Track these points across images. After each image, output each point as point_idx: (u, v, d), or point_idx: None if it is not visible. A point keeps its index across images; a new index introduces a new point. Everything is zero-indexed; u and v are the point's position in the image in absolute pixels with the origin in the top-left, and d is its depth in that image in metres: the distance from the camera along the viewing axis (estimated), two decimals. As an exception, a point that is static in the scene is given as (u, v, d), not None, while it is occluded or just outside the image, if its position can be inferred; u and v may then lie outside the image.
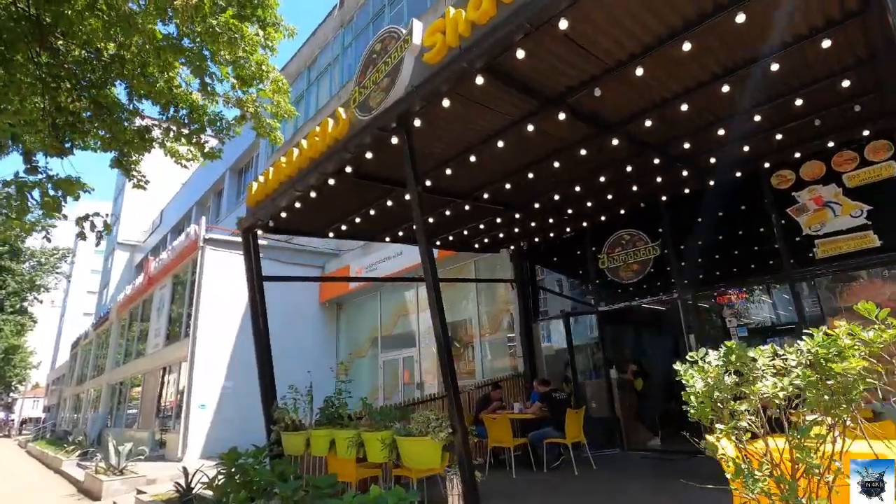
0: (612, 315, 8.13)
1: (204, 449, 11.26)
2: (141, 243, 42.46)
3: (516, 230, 8.31)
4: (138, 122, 6.16)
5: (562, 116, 4.22)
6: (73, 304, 67.99)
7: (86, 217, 5.52)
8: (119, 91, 7.26)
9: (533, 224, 7.92)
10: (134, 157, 6.07)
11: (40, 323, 60.00)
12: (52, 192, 6.52)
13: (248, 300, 13.05)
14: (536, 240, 9.11)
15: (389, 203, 5.42)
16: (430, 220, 6.88)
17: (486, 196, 6.05)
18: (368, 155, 4.27)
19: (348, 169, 4.51)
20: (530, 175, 5.60)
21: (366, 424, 4.90)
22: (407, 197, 5.25)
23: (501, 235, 8.38)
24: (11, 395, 73.08)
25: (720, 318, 6.87)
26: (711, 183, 6.48)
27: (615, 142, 4.83)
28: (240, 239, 13.78)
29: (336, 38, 17.72)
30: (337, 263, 14.26)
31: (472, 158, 4.84)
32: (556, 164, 5.55)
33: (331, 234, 6.43)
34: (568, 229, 8.43)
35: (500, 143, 4.87)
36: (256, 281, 6.06)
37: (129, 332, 19.27)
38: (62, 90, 5.93)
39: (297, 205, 4.98)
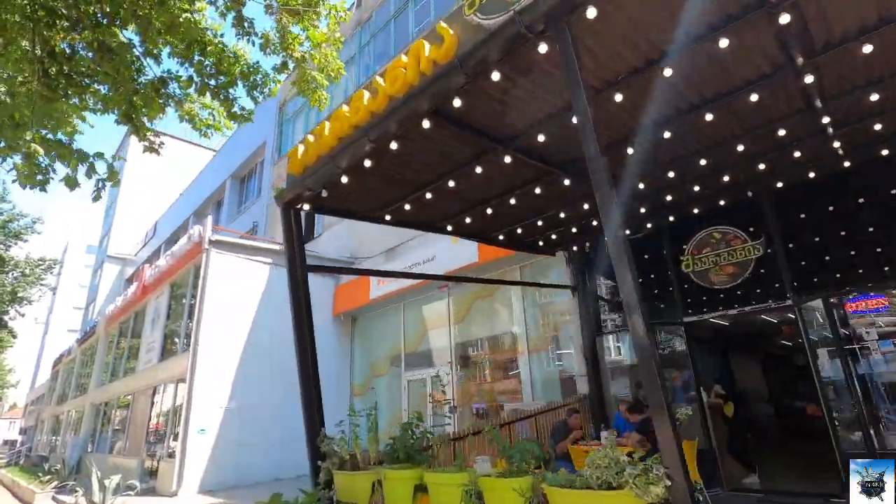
0: (702, 326, 6.91)
1: (203, 481, 9.73)
2: (132, 256, 40.80)
3: (574, 229, 7.13)
4: (151, 73, 4.97)
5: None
6: (57, 320, 65.54)
7: (83, 156, 4.25)
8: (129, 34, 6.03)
9: (595, 223, 6.75)
10: (145, 114, 4.83)
11: (22, 340, 57.42)
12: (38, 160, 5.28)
13: (258, 307, 11.70)
14: (590, 244, 7.93)
15: (478, 170, 4.23)
16: (488, 210, 5.71)
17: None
18: (495, 76, 3.05)
19: (457, 102, 3.28)
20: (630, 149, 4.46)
21: (442, 462, 3.59)
22: (507, 159, 4.07)
23: (554, 236, 7.21)
24: (-13, 416, 69.66)
25: (848, 327, 5.68)
26: (847, 164, 5.35)
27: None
28: (249, 243, 12.50)
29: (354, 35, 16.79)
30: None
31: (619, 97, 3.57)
32: (667, 134, 4.42)
33: (388, 217, 5.20)
34: (639, 228, 7.26)
35: (619, 97, 3.74)
36: (300, 271, 4.80)
37: (117, 347, 17.67)
38: (58, 29, 4.74)
39: (368, 163, 3.76)
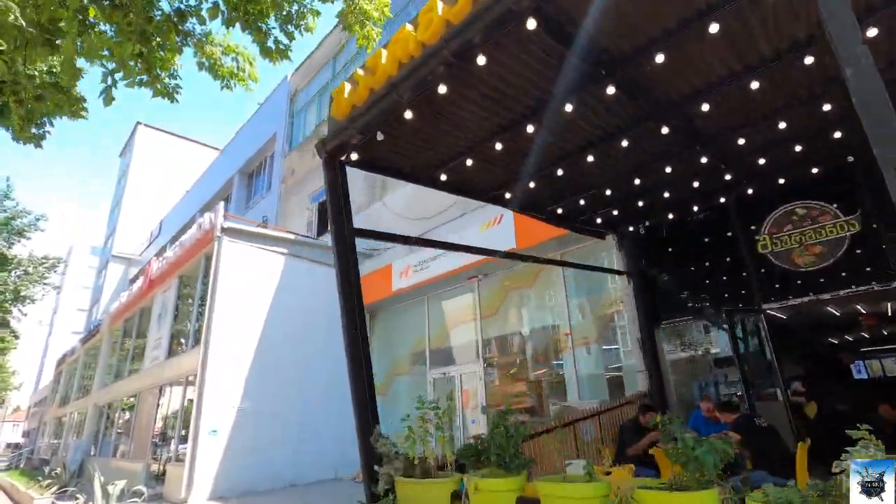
0: (786, 314, 6.10)
1: (214, 487, 8.95)
2: (137, 256, 40.18)
3: (627, 209, 6.34)
4: (166, 6, 4.24)
5: None
6: (61, 322, 65.10)
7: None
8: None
9: (645, 202, 5.96)
10: (160, 55, 4.09)
11: (25, 342, 56.94)
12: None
13: (272, 300, 10.93)
14: (648, 223, 7.13)
15: (568, 108, 3.43)
16: (559, 171, 4.93)
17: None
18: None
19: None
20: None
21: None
22: (610, 90, 3.28)
23: (616, 212, 6.40)
24: (-11, 418, 69.12)
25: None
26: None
27: None
28: (263, 231, 11.74)
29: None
30: (373, 264, 12.20)
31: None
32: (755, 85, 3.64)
33: (443, 177, 4.43)
34: (700, 206, 6.45)
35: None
36: (348, 234, 4.05)
37: (122, 346, 16.94)
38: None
39: (443, 89, 2.97)
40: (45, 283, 29.22)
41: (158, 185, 43.78)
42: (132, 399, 14.58)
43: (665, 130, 4.03)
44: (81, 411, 20.82)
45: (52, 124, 4.85)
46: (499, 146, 3.84)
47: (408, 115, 3.20)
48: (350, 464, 10.89)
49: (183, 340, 11.62)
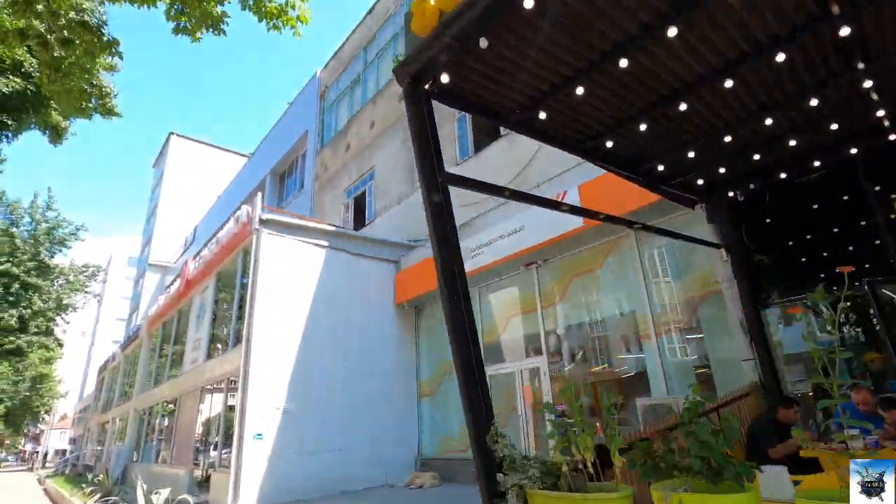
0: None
1: (261, 495, 8.32)
2: (172, 264, 40.72)
3: (736, 166, 5.37)
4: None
5: None
6: (102, 332, 66.94)
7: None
8: None
9: (762, 155, 4.98)
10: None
11: (70, 353, 58.74)
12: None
13: (314, 295, 10.29)
14: (753, 186, 6.11)
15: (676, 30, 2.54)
16: (608, 143, 4.08)
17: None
18: None
19: None
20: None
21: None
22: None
23: (722, 169, 5.45)
24: (39, 426, 71.63)
25: None
26: None
27: None
28: (303, 223, 11.14)
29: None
30: (417, 255, 11.46)
31: None
32: None
33: (542, 116, 3.61)
34: (824, 160, 5.43)
35: None
36: (440, 178, 3.29)
37: (161, 349, 16.69)
38: None
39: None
40: (86, 292, 29.77)
41: (192, 193, 44.36)
42: (171, 405, 14.24)
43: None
44: (123, 417, 20.78)
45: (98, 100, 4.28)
46: (622, 63, 2.99)
47: (528, 3, 2.39)
48: (399, 468, 10.15)
49: (225, 339, 11.12)
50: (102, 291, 60.48)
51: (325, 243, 10.71)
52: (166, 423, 14.61)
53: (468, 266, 9.65)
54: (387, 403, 10.62)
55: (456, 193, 10.81)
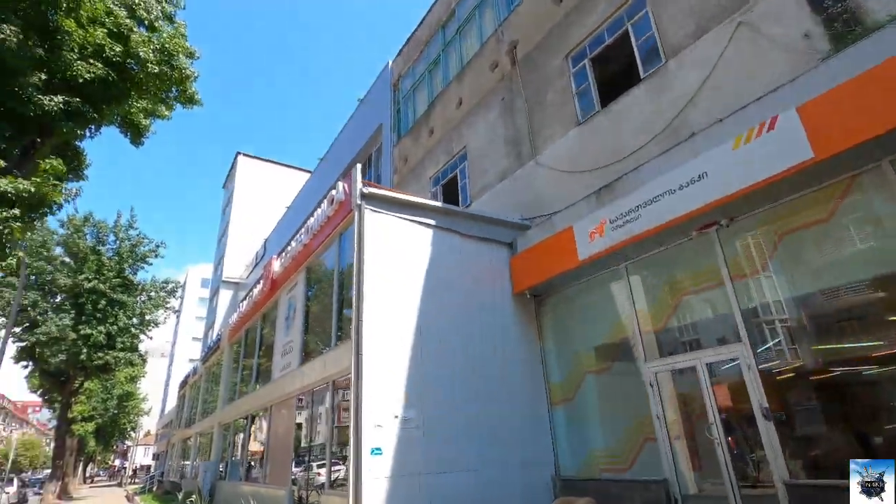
0: None
1: (387, 526, 6.65)
2: (244, 280, 41.24)
3: None
4: None
5: None
6: (180, 351, 69.71)
7: None
8: None
9: None
10: None
11: (150, 372, 61.40)
12: None
13: (424, 283, 8.63)
14: None
15: None
16: None
17: None
18: None
19: None
20: None
21: None
22: None
23: None
24: (126, 442, 75.40)
25: None
26: None
27: None
28: (410, 198, 9.25)
29: (488, -35, 13.87)
30: (538, 235, 9.62)
31: None
32: None
33: None
34: None
35: None
36: None
37: (244, 358, 15.75)
38: None
39: None
40: (166, 307, 30.17)
41: (261, 209, 45.08)
42: (264, 412, 13.07)
43: None
44: (206, 432, 20.15)
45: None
46: None
47: None
48: (537, 492, 8.22)
49: (322, 339, 9.72)
50: (180, 306, 62.84)
51: (432, 222, 9.11)
52: (254, 434, 13.47)
53: (618, 234, 7.71)
54: (513, 412, 8.77)
55: (578, 157, 8.61)
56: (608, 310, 8.58)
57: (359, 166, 8.76)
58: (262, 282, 13.95)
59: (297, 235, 11.21)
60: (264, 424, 12.40)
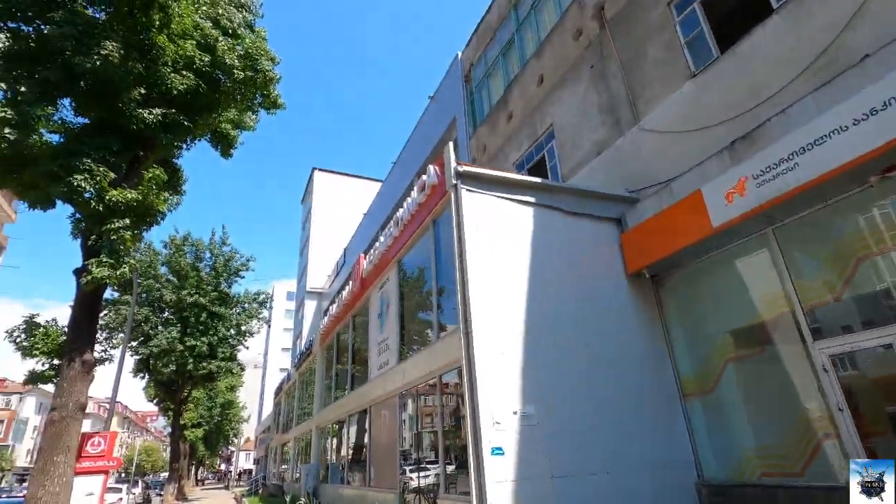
0: None
1: (517, 536, 5.89)
2: (326, 289, 42.62)
3: None
4: None
5: None
6: (271, 362, 73.68)
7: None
8: None
9: None
10: None
11: (246, 383, 65.40)
12: None
13: (529, 267, 7.73)
14: None
15: None
16: None
17: None
18: None
19: None
20: None
21: None
22: None
23: None
24: (230, 447, 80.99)
25: None
26: None
27: None
28: (507, 175, 8.29)
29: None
30: (653, 206, 8.50)
31: None
32: None
33: None
34: None
35: None
36: None
37: (338, 361, 15.75)
38: None
39: None
40: (259, 318, 31.67)
41: (339, 220, 46.51)
42: (364, 412, 12.85)
43: None
44: (303, 436, 20.57)
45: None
46: None
47: None
48: (678, 498, 7.09)
49: (426, 330, 9.21)
50: (270, 316, 66.38)
51: (532, 200, 8.31)
52: (353, 436, 13.29)
53: (766, 191, 6.47)
54: (639, 407, 7.70)
55: (693, 113, 7.16)
56: (751, 284, 7.29)
57: (451, 143, 8.16)
58: (350, 283, 13.82)
59: (386, 230, 10.86)
60: (358, 427, 12.15)
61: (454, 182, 7.73)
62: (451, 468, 7.53)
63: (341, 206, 48.17)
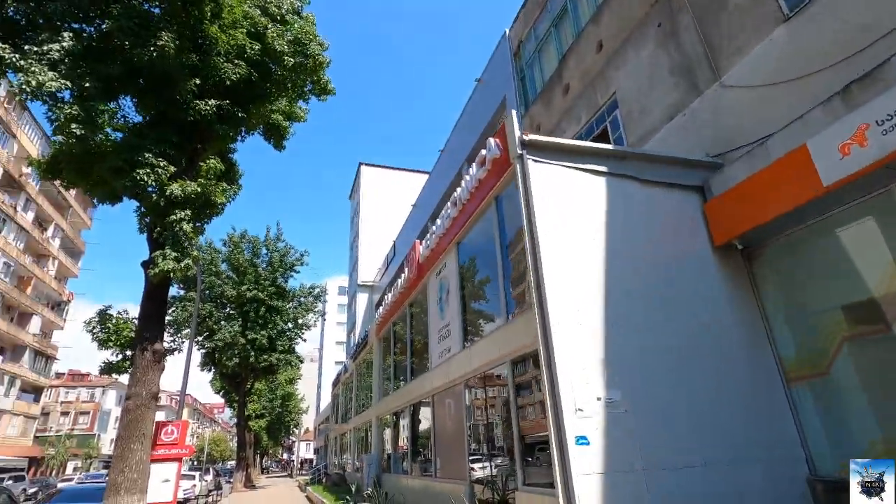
0: None
1: (611, 534, 5.33)
2: (377, 282, 43.04)
3: None
4: None
5: None
6: (327, 355, 75.73)
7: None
8: None
9: None
10: None
11: (304, 376, 67.56)
12: None
13: (605, 241, 6.91)
14: None
15: None
16: None
17: None
18: None
19: None
20: None
21: None
22: None
23: None
24: (291, 438, 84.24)
25: None
26: None
27: None
28: (576, 144, 7.47)
29: None
30: (736, 173, 7.58)
31: None
32: None
33: None
34: None
35: None
36: None
37: (394, 350, 15.58)
38: None
39: None
40: (314, 311, 32.36)
41: (387, 214, 46.78)
42: (426, 402, 12.57)
43: None
44: (361, 427, 20.70)
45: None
46: None
47: None
48: (786, 496, 6.27)
49: (491, 311, 8.74)
50: (324, 309, 68.50)
51: (604, 169, 7.61)
52: (421, 425, 13.05)
53: (871, 153, 5.51)
54: (734, 392, 6.89)
55: (786, 65, 5.88)
56: (869, 252, 6.30)
57: (514, 111, 7.60)
58: (405, 271, 13.54)
59: (443, 212, 10.43)
60: (420, 416, 11.87)
61: (519, 152, 7.17)
62: (482, 464, 7.03)
63: (389, 200, 48.39)
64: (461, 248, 10.06)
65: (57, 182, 10.00)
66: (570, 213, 7.10)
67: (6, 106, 36.78)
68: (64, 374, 65.98)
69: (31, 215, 40.97)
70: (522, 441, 6.93)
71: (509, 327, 7.46)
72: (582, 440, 5.74)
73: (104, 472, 42.94)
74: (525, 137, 7.22)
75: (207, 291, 27.51)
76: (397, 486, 13.45)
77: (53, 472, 47.38)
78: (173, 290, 24.53)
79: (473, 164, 8.70)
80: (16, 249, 38.66)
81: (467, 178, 9.06)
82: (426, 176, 44.18)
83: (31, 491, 30.16)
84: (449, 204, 10.08)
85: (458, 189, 9.52)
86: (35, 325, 42.91)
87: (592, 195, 7.41)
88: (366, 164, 51.46)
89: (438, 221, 10.73)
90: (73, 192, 46.47)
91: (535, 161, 7.22)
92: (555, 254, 6.67)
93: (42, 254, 43.65)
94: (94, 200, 10.27)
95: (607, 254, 7.03)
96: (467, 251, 9.89)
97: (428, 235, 11.57)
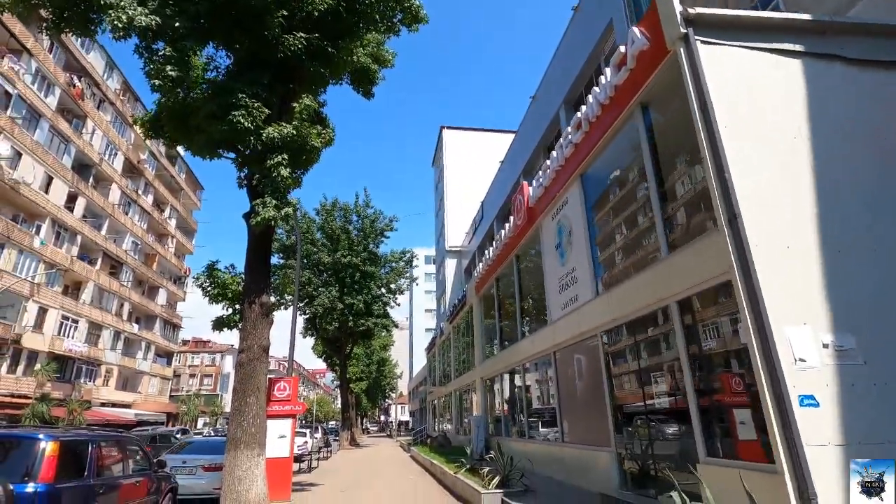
0: None
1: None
2: (465, 247, 42.22)
3: None
4: None
5: None
6: (416, 322, 77.50)
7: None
8: None
9: None
10: None
11: (396, 343, 69.73)
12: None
13: (810, 143, 5.04)
14: None
15: None
16: None
17: None
18: None
19: None
20: None
21: None
22: None
23: None
24: (387, 401, 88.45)
25: None
26: None
27: None
28: (757, 15, 5.86)
29: None
30: None
31: None
32: None
33: None
34: None
35: None
36: None
37: (500, 306, 14.49)
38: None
39: None
40: (406, 276, 32.33)
41: (472, 176, 45.49)
42: (545, 359, 11.41)
43: None
44: (462, 389, 20.13)
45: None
46: None
47: None
48: None
49: (642, 245, 7.22)
50: (411, 272, 69.83)
51: (799, 47, 5.64)
52: (526, 390, 11.96)
53: None
54: None
55: None
56: None
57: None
58: (512, 218, 12.23)
59: (563, 139, 8.91)
60: (536, 376, 10.71)
61: (683, 32, 5.45)
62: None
63: (474, 162, 46.95)
64: (586, 179, 8.51)
65: (161, 147, 9.87)
66: (759, 107, 5.32)
67: (122, 98, 40.09)
68: (189, 340, 73.82)
69: (150, 198, 44.99)
70: (703, 403, 5.46)
71: (672, 261, 5.91)
72: (808, 400, 4.19)
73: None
74: (691, 12, 5.46)
75: (305, 259, 28.29)
76: (512, 450, 12.58)
77: (188, 425, 53.20)
78: (274, 259, 25.46)
79: (607, 69, 7.05)
80: (140, 229, 42.79)
81: (596, 89, 7.43)
82: (512, 135, 42.10)
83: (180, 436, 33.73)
84: (569, 128, 8.54)
85: (583, 107, 7.93)
86: (162, 297, 47.71)
87: (786, 83, 5.53)
88: (447, 128, 50.22)
89: (554, 153, 9.23)
90: (182, 175, 50.32)
91: (706, 42, 5.46)
92: (744, 158, 4.99)
93: (162, 233, 48.05)
94: (193, 155, 10.02)
95: (815, 155, 5.19)
96: (595, 183, 8.31)
97: (540, 173, 10.12)
